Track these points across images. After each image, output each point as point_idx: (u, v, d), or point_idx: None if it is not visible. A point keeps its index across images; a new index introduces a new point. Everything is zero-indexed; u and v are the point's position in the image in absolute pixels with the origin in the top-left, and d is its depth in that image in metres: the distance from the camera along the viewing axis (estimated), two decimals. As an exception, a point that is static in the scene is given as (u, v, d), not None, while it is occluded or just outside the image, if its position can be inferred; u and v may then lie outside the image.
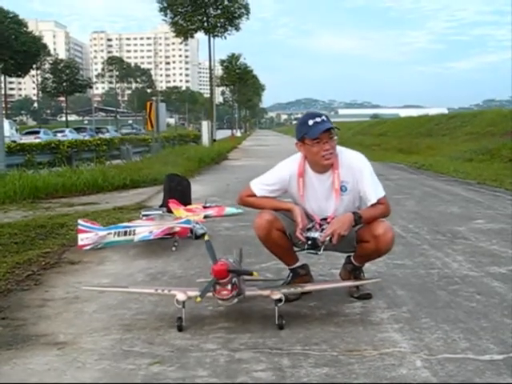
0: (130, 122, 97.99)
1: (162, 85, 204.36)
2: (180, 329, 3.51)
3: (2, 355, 3.20)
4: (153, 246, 5.97)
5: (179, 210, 7.77)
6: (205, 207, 8.24)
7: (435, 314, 3.75)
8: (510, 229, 6.67)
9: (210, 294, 3.43)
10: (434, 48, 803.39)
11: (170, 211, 7.61)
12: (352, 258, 4.27)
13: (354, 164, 3.95)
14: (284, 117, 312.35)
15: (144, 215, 6.89)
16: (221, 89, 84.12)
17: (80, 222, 5.98)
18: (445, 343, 3.26)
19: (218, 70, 69.88)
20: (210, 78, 41.43)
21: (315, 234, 3.76)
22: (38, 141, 40.50)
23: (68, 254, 5.78)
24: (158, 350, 3.24)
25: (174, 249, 5.88)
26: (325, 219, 3.88)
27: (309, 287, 3.94)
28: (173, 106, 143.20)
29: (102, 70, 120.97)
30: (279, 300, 3.53)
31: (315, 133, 3.81)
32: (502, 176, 12.42)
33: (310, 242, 3.76)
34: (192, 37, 42.36)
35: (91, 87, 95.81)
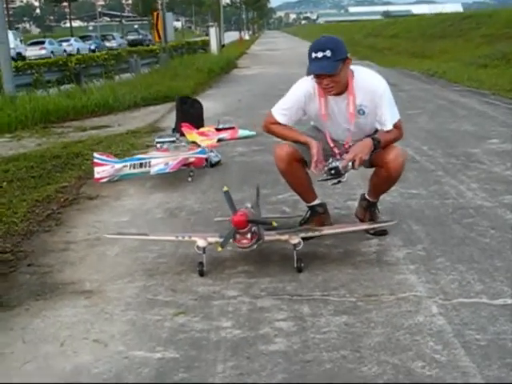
0: (136, 26, 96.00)
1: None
2: (201, 274, 3.61)
3: (32, 307, 3.32)
4: (168, 177, 5.98)
5: (192, 134, 7.79)
6: (218, 129, 8.21)
7: (450, 253, 3.82)
8: (524, 149, 6.67)
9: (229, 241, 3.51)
10: None
11: (182, 135, 7.65)
12: (366, 195, 4.32)
13: (374, 88, 3.89)
14: (293, 16, 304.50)
15: (158, 142, 6.91)
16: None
17: (95, 155, 6.02)
18: (459, 286, 3.34)
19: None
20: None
21: (336, 163, 3.78)
22: (43, 52, 40.31)
23: (85, 187, 5.86)
24: (182, 298, 3.35)
25: (189, 179, 5.93)
26: (344, 151, 3.89)
27: (326, 231, 3.98)
28: (179, 8, 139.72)
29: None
30: (298, 244, 3.61)
31: (310, 71, 3.76)
32: (517, 85, 12.21)
33: (332, 172, 3.79)
34: None
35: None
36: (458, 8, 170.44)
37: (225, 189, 3.55)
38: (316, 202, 4.29)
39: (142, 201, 5.39)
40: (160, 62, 20.82)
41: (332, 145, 4.02)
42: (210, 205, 5.13)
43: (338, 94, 3.87)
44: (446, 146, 6.98)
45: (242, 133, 8.12)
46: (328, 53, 3.68)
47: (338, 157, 3.86)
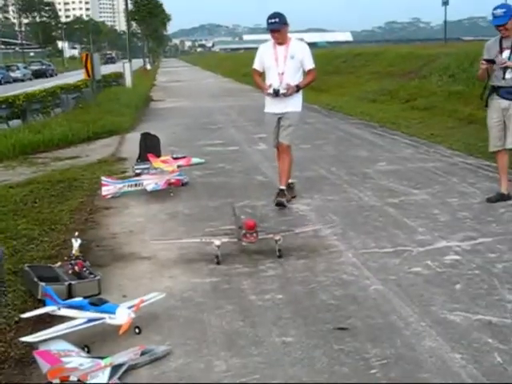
0: (32, 54, 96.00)
1: (60, 13, 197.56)
2: (218, 263, 5.55)
3: (115, 266, 5.61)
4: (153, 194, 8.24)
5: (157, 162, 10.06)
6: (174, 158, 10.55)
7: (356, 229, 6.43)
8: (402, 169, 9.47)
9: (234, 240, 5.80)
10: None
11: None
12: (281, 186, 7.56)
13: (302, 46, 7.59)
14: (188, 44, 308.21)
15: (136, 168, 9.26)
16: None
17: (103, 178, 8.31)
18: (362, 244, 5.94)
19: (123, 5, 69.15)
20: (127, 10, 42.12)
21: (278, 87, 7.34)
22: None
23: (98, 202, 8.09)
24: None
25: (171, 194, 8.28)
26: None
27: (296, 231, 6.22)
28: (75, 37, 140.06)
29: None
30: (279, 239, 5.65)
31: (268, 28, 7.31)
32: (399, 118, 15.35)
33: (274, 92, 7.33)
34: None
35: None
36: (347, 37, 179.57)
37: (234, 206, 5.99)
38: (283, 187, 7.43)
39: (146, 209, 7.72)
40: (85, 97, 22.80)
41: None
42: (195, 209, 7.54)
43: (281, 44, 7.35)
44: (348, 167, 9.68)
45: (194, 160, 10.47)
46: (277, 19, 7.29)
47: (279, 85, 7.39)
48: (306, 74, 7.51)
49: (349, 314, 4.46)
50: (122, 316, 4.13)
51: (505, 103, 7.16)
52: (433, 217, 6.82)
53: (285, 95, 7.33)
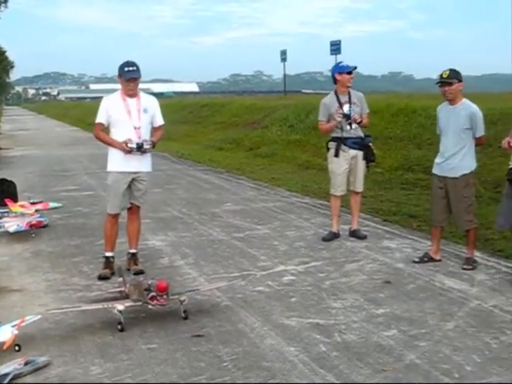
0: None
1: None
2: (122, 330, 5.15)
3: (-10, 297, 6.07)
4: (15, 235, 8.65)
5: (15, 207, 10.41)
6: (32, 203, 10.91)
7: (207, 259, 7.30)
8: (246, 209, 10.52)
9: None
10: (180, 23, 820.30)
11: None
12: (132, 249, 7.17)
13: (153, 101, 6.92)
14: (32, 91, 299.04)
15: (-6, 213, 9.57)
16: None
17: (-36, 222, 8.56)
18: (212, 271, 6.82)
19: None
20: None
21: (141, 141, 6.59)
22: None
23: (-42, 245, 8.36)
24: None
25: (33, 235, 8.71)
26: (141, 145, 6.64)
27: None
28: None
29: None
30: (184, 300, 5.41)
31: (127, 77, 6.61)
32: (244, 165, 16.58)
33: (137, 146, 6.57)
34: None
35: None
36: (194, 87, 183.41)
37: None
38: (111, 254, 6.97)
39: (9, 249, 8.12)
40: None
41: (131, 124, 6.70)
42: (58, 248, 8.07)
43: (132, 96, 6.70)
44: (198, 208, 10.60)
45: (51, 205, 10.90)
46: (135, 68, 6.65)
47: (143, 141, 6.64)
48: (153, 129, 6.96)
49: (203, 324, 5.28)
50: (5, 333, 4.68)
51: (353, 152, 7.97)
52: (273, 247, 7.87)
53: (146, 151, 6.73)
